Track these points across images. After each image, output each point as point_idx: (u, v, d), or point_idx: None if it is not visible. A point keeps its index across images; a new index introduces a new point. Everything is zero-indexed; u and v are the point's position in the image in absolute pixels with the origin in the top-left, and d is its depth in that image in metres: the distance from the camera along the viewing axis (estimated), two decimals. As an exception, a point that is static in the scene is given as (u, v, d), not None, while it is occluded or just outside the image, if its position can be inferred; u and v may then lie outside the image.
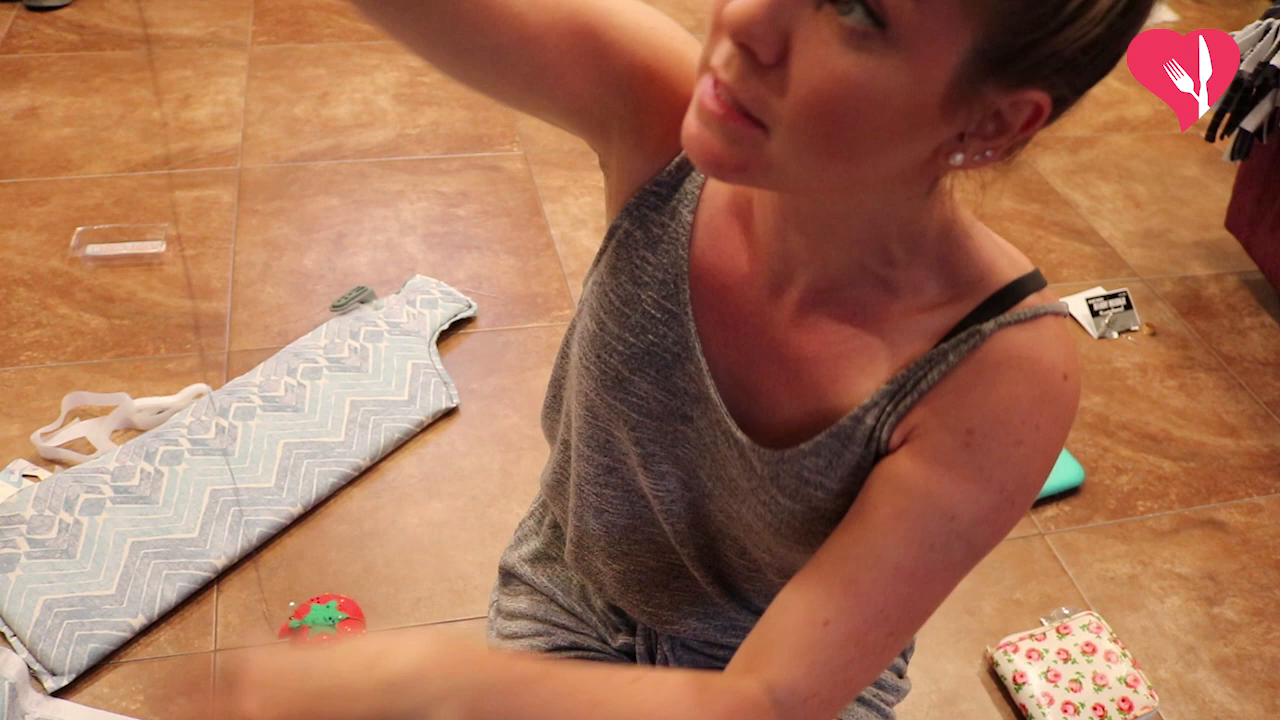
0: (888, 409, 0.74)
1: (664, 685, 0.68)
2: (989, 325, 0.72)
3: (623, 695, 0.66)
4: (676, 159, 0.79)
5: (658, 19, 0.75)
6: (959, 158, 0.63)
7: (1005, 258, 0.76)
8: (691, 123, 0.64)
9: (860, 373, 0.76)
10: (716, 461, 0.85)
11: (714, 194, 0.80)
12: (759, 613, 0.97)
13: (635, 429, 0.86)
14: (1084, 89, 0.61)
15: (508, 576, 1.18)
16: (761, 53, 0.59)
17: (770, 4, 0.58)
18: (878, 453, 0.76)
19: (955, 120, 0.61)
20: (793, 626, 0.72)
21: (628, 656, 1.09)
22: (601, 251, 0.85)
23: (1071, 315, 2.43)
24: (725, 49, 0.61)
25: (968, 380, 0.72)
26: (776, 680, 0.71)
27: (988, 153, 0.63)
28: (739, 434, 0.80)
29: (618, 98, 0.75)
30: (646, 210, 0.81)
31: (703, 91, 0.63)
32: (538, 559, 1.14)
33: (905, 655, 1.13)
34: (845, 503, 0.78)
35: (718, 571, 0.95)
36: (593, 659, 1.09)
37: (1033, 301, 0.73)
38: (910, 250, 0.73)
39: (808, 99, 0.59)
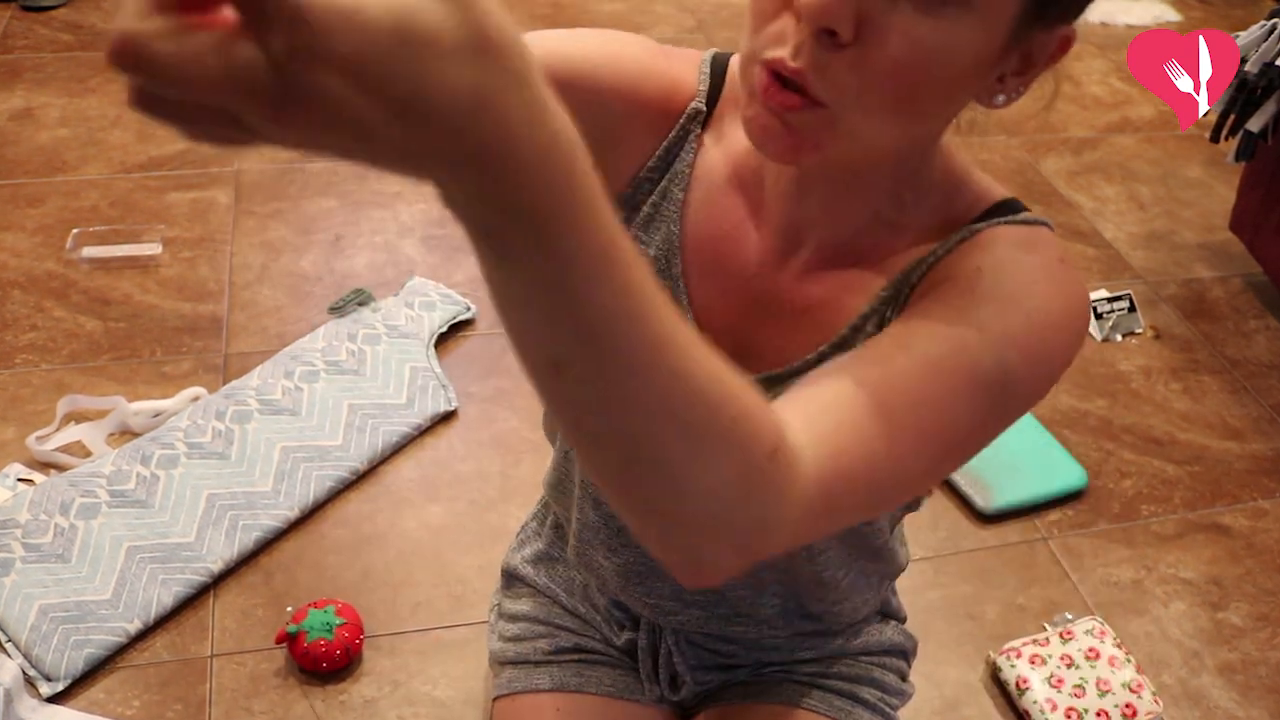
0: (888, 313, 0.77)
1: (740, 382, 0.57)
2: (980, 225, 0.75)
3: (707, 368, 0.53)
4: (664, 143, 0.82)
5: (583, 38, 0.78)
6: (1001, 98, 0.68)
7: (996, 186, 0.81)
8: (758, 116, 0.66)
9: (855, 293, 0.79)
10: None
11: (708, 170, 0.82)
12: (760, 591, 0.97)
13: None
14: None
15: (510, 579, 1.18)
16: (843, 31, 0.60)
17: None
18: None
19: (1002, 66, 0.65)
20: (824, 386, 0.64)
21: (631, 655, 1.09)
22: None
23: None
24: (792, 36, 0.63)
25: (965, 249, 0.74)
26: (800, 427, 0.60)
27: (1021, 87, 0.67)
28: (741, 371, 0.80)
29: (581, 122, 0.75)
30: (640, 196, 0.84)
31: (762, 85, 0.65)
32: (540, 560, 1.14)
33: (908, 660, 1.12)
34: None
35: None
36: (596, 660, 1.09)
37: (1026, 214, 0.78)
38: (918, 193, 0.77)
39: (888, 69, 0.62)
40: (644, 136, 0.82)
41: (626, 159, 0.83)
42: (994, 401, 0.66)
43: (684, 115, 0.82)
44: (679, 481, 0.52)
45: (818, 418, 0.61)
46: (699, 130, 0.82)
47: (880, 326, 0.78)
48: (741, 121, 0.68)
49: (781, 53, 0.63)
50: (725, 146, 0.83)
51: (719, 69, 0.84)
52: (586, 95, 0.74)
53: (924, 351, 0.65)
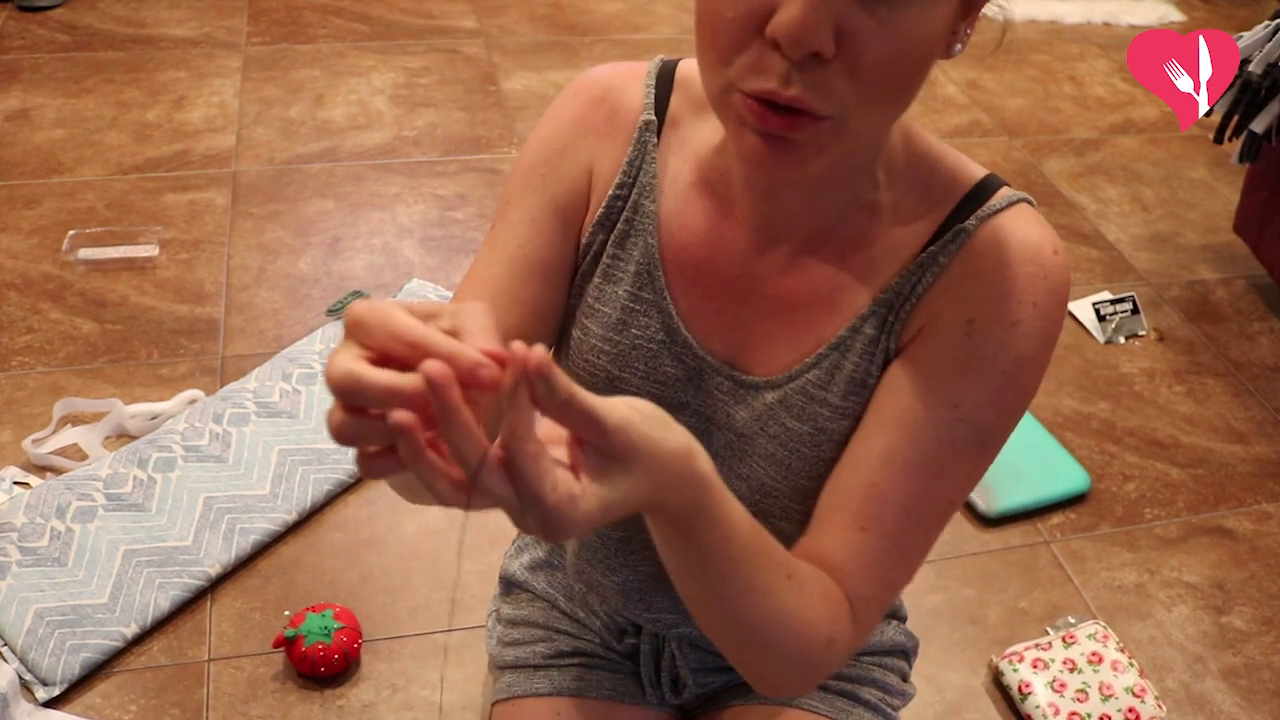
0: (889, 319, 0.78)
1: (806, 593, 0.74)
2: (971, 221, 0.76)
3: (777, 591, 0.72)
4: (623, 166, 0.84)
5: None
6: (958, 47, 0.69)
7: (969, 162, 0.81)
8: (755, 144, 0.67)
9: (851, 294, 0.80)
10: (717, 433, 0.87)
11: (673, 180, 0.84)
12: None
13: None
14: None
15: (509, 585, 1.18)
16: (826, 50, 0.61)
17: (819, 3, 0.60)
18: (885, 362, 0.79)
19: (961, 19, 0.67)
20: (836, 540, 0.77)
21: (632, 658, 1.09)
22: (577, 266, 0.89)
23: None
24: (775, 65, 0.63)
25: (963, 271, 0.76)
26: (843, 587, 0.77)
27: (969, 30, 0.69)
28: (742, 376, 0.84)
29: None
30: (613, 216, 0.85)
31: (756, 114, 0.65)
32: (539, 566, 1.14)
33: (909, 659, 1.12)
34: (849, 424, 0.81)
35: None
36: (596, 664, 1.08)
37: (1005, 192, 0.78)
38: (890, 170, 0.78)
39: (882, 68, 0.63)
40: (605, 160, 0.85)
41: (599, 184, 0.86)
42: (981, 455, 0.77)
43: (637, 129, 0.84)
44: (756, 666, 0.75)
45: (849, 566, 0.77)
46: (655, 139, 0.84)
47: (881, 329, 0.79)
48: (737, 154, 0.72)
49: (768, 84, 0.64)
50: (686, 152, 0.84)
51: (665, 77, 0.86)
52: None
53: (907, 460, 0.76)
